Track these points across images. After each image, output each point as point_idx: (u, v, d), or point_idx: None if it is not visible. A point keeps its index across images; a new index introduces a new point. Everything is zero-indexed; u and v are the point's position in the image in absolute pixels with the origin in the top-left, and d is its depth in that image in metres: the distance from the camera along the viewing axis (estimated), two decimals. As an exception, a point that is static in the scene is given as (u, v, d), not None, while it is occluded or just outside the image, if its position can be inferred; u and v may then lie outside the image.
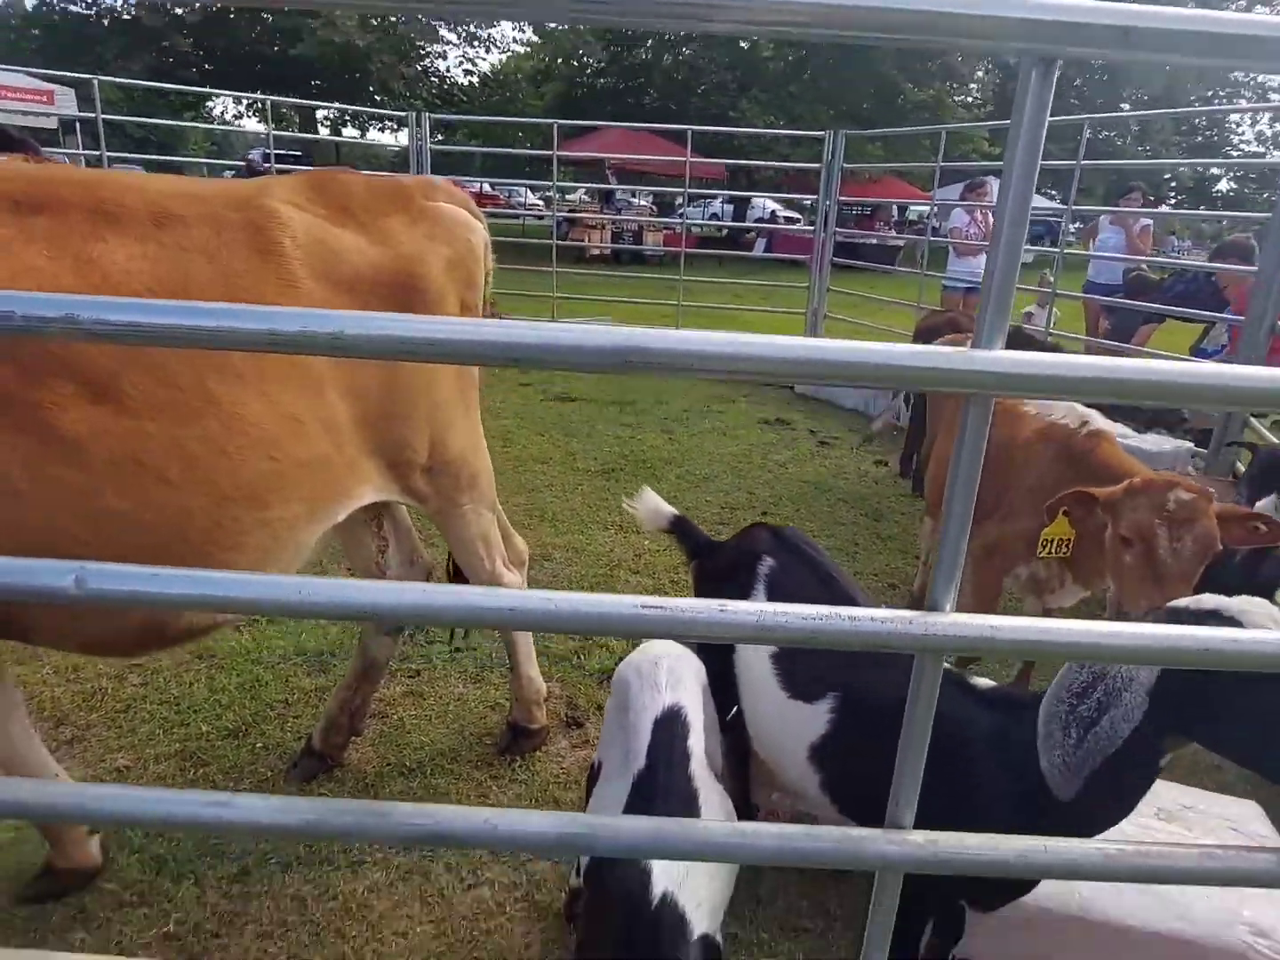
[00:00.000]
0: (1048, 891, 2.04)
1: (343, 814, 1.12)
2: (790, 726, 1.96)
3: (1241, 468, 4.54)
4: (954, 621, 1.08)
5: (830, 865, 1.23)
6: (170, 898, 2.33)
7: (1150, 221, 8.61)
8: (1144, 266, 8.20)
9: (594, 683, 3.41)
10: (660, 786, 1.73)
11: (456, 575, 3.06)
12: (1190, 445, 4.78)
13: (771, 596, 2.13)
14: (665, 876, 1.57)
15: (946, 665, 1.91)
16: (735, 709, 2.32)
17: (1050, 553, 2.51)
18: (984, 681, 1.81)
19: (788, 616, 1.06)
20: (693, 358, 0.95)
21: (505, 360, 0.96)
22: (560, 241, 11.84)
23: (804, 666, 1.98)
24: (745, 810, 2.58)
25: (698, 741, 1.85)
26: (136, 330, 0.92)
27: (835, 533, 5.05)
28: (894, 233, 19.23)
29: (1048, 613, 3.13)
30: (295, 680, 3.30)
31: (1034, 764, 1.62)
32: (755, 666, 2.07)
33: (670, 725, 1.84)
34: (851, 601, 2.02)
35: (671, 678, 1.96)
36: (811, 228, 9.57)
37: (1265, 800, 2.54)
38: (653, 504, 2.52)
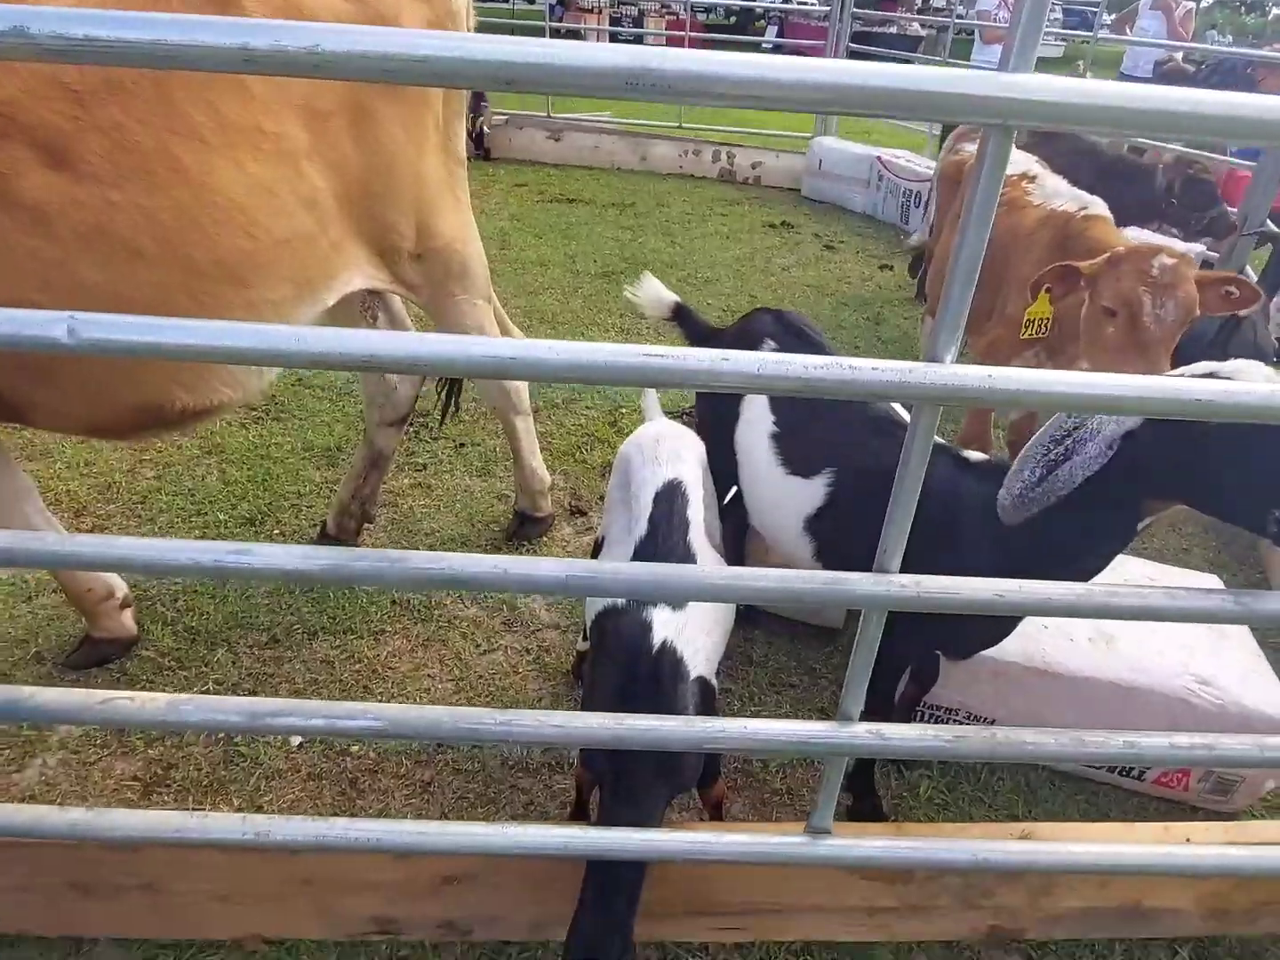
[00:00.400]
0: (1015, 648, 2.22)
1: (360, 560, 1.19)
2: (787, 501, 2.04)
3: (1251, 273, 4.43)
4: (953, 372, 1.10)
5: (821, 603, 1.34)
6: (207, 663, 2.52)
7: (1193, 4, 7.84)
8: (1178, 57, 7.58)
9: (596, 475, 3.52)
10: (660, 550, 1.82)
11: (449, 393, 3.07)
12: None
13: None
14: (664, 626, 1.70)
15: (939, 440, 1.97)
16: (734, 491, 2.41)
17: (1032, 334, 2.51)
18: (976, 454, 1.87)
19: (789, 366, 1.07)
20: (709, 80, 0.90)
21: (499, 81, 0.91)
22: (554, 23, 10.86)
23: (802, 445, 2.04)
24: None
25: (697, 513, 1.94)
26: (94, 46, 0.85)
27: (837, 335, 5.01)
28: (916, 20, 17.60)
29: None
30: (305, 473, 3.39)
31: (1014, 534, 1.70)
32: (755, 448, 2.13)
33: (670, 496, 1.91)
34: None
35: (671, 454, 2.01)
36: (826, 8, 8.73)
37: (1226, 582, 2.70)
38: (654, 291, 2.48)
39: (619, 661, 1.67)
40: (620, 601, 1.75)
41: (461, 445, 3.66)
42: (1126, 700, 2.21)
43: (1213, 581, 2.56)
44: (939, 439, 1.95)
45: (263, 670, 2.51)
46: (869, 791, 2.13)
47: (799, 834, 1.61)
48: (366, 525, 3.05)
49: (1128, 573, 2.49)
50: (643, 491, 1.93)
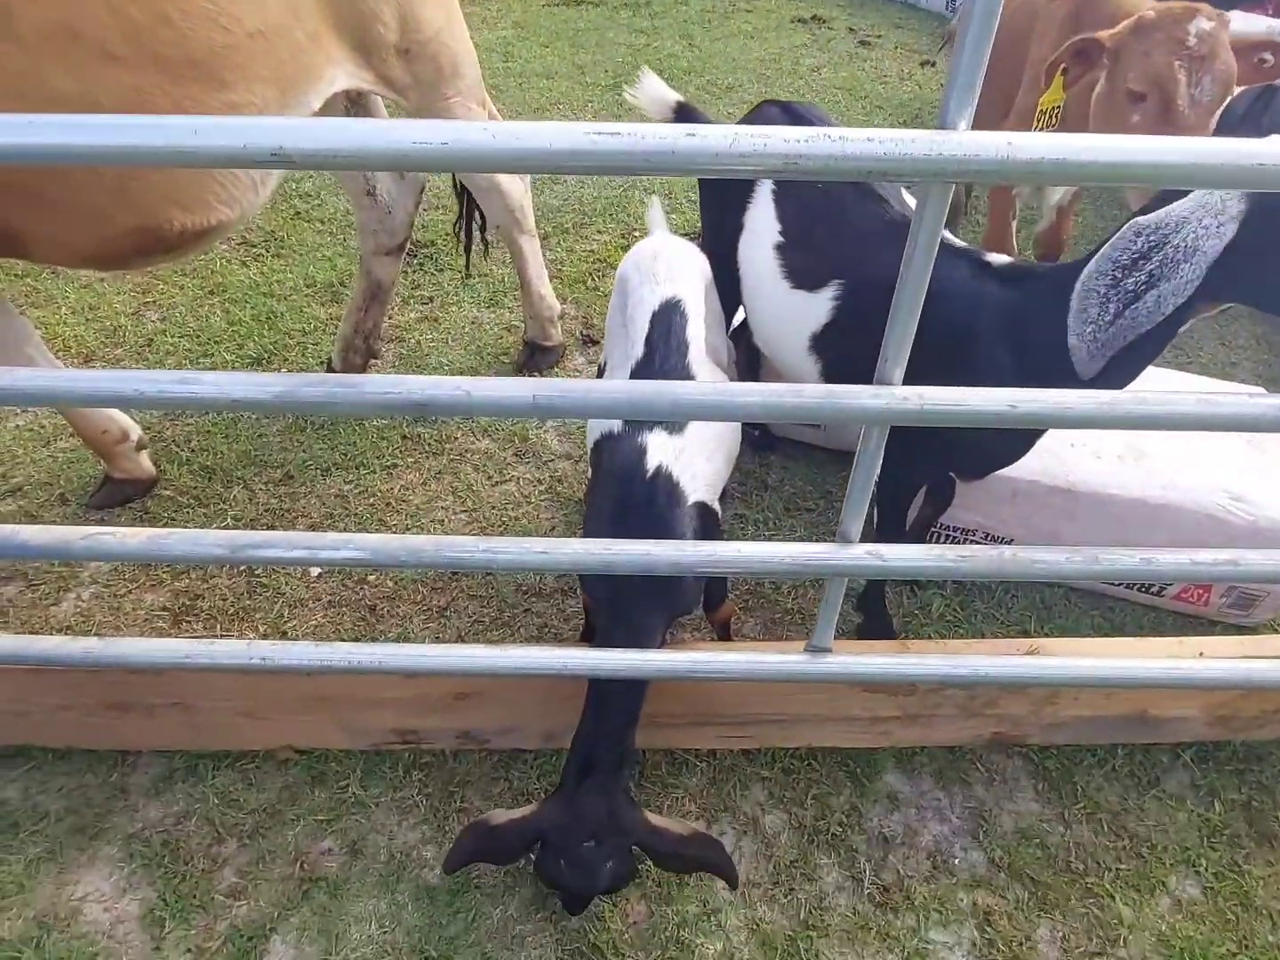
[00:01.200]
0: (1037, 465, 2.13)
1: (313, 386, 1.11)
2: (792, 317, 1.91)
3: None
4: (966, 140, 0.95)
5: (815, 419, 1.26)
6: (224, 499, 2.55)
7: None
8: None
9: (608, 303, 3.37)
10: (657, 374, 1.73)
11: (466, 222, 2.89)
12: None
13: (783, 197, 1.95)
14: (660, 451, 1.64)
15: (959, 242, 1.80)
16: (743, 314, 2.27)
17: (1043, 126, 2.19)
18: (998, 256, 1.70)
19: (767, 140, 0.93)
20: None
21: None
22: None
23: (808, 256, 1.88)
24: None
25: (697, 331, 1.82)
26: None
27: (869, 143, 4.60)
28: None
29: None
30: (309, 310, 3.29)
31: (1048, 342, 1.56)
32: (758, 261, 1.97)
33: (667, 315, 1.80)
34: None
35: (670, 270, 1.88)
36: None
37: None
38: (655, 90, 2.24)
39: (614, 486, 1.63)
40: (616, 427, 1.69)
41: (468, 277, 3.51)
42: (1155, 518, 2.13)
43: (1256, 393, 2.41)
44: (954, 238, 1.78)
45: (279, 506, 2.54)
46: (878, 610, 2.13)
47: (799, 652, 1.61)
48: (373, 360, 2.99)
49: (1169, 387, 2.35)
50: (639, 312, 1.81)
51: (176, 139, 0.90)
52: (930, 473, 2.00)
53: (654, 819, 1.53)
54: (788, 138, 0.92)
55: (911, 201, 1.87)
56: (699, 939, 1.65)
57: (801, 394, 1.17)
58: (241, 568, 2.34)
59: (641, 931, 1.65)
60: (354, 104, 2.53)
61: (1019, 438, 1.73)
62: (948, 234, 1.67)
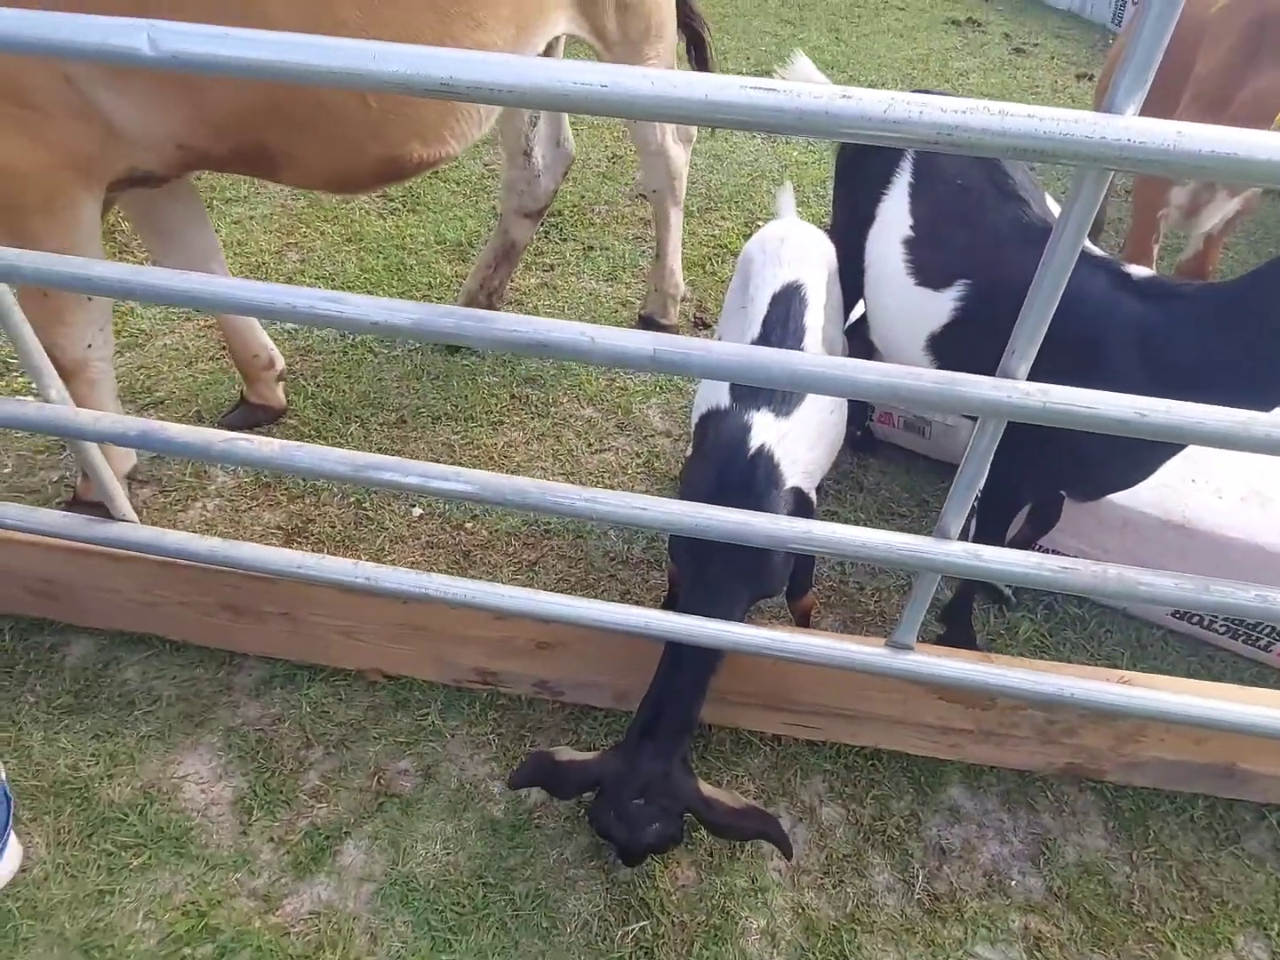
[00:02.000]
0: (1152, 498, 2.05)
1: (445, 317, 1.19)
2: (913, 314, 1.89)
3: None
4: (1134, 125, 0.93)
5: (931, 406, 1.25)
6: (341, 435, 2.70)
7: None
8: None
9: (725, 288, 3.39)
10: None
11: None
12: None
13: (919, 191, 1.93)
14: (764, 431, 1.65)
15: (1100, 251, 1.74)
16: (860, 311, 2.26)
17: None
18: (1139, 269, 1.64)
19: (924, 108, 0.93)
20: None
21: None
22: None
23: (936, 252, 1.85)
24: (863, 411, 2.64)
25: (815, 318, 1.83)
26: None
27: (1012, 153, 4.46)
28: None
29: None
30: (436, 266, 3.43)
31: (1186, 364, 1.51)
32: (886, 254, 1.95)
33: (788, 299, 1.81)
34: (1018, 195, 1.78)
35: (795, 254, 1.89)
36: None
37: None
38: (805, 72, 2.24)
39: (715, 460, 1.66)
40: (724, 404, 1.72)
41: (590, 249, 3.59)
42: (1272, 568, 2.02)
43: None
44: (1094, 248, 1.73)
45: (391, 447, 2.67)
46: (964, 623, 2.10)
47: (879, 646, 1.61)
48: (492, 320, 3.10)
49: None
50: (760, 293, 1.83)
51: (357, 62, 0.97)
52: (1042, 487, 1.94)
53: (708, 789, 1.56)
54: (945, 107, 0.92)
55: (1055, 208, 1.82)
56: (744, 912, 1.68)
57: (920, 378, 1.18)
58: (350, 499, 2.48)
59: (689, 895, 1.69)
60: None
61: (1143, 457, 1.67)
62: (1088, 243, 1.62)
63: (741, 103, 0.90)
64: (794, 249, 1.90)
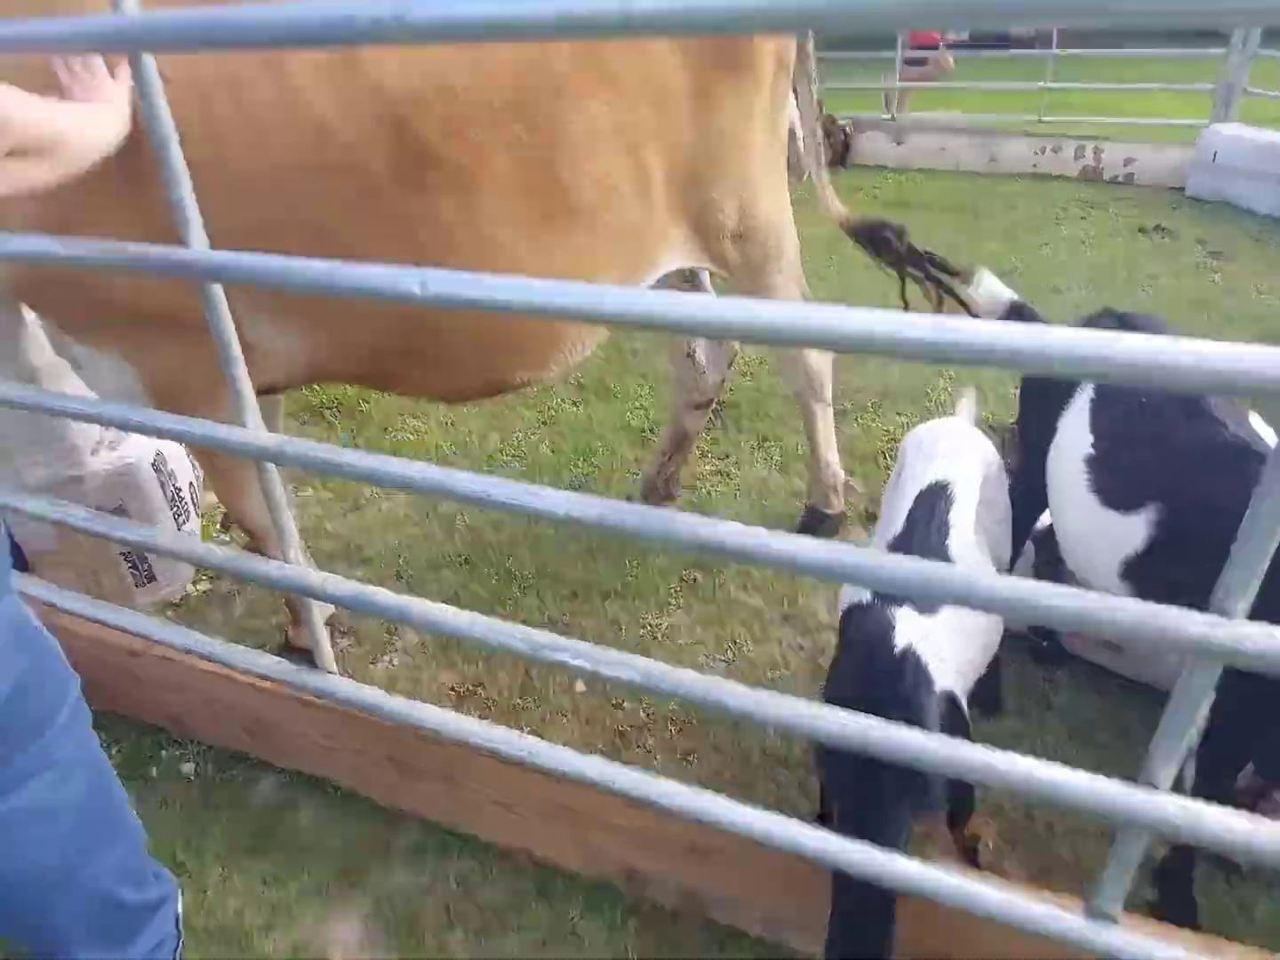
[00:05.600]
0: None
1: (630, 514, 1.26)
2: (1102, 536, 1.79)
3: None
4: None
5: (1128, 640, 1.13)
6: (518, 604, 2.85)
7: None
8: None
9: (897, 484, 3.38)
10: (912, 552, 1.70)
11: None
12: None
13: (1101, 408, 1.88)
14: (907, 627, 1.59)
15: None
16: (1047, 520, 2.18)
17: None
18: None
19: (1116, 346, 0.93)
20: None
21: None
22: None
23: (1122, 472, 1.78)
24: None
25: (963, 518, 1.78)
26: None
27: (1214, 357, 4.27)
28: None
29: None
30: (620, 450, 3.67)
31: None
32: (1066, 471, 1.90)
33: (935, 496, 1.79)
34: (1230, 440, 1.68)
35: (949, 451, 1.88)
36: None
37: None
38: (991, 286, 2.32)
39: (855, 658, 1.61)
40: (866, 598, 1.68)
41: (765, 439, 3.72)
42: None
43: None
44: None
45: (562, 619, 2.78)
46: (1182, 896, 1.80)
47: (1075, 911, 1.40)
48: (668, 502, 3.23)
49: None
50: (908, 486, 1.83)
51: (583, 300, 1.12)
52: (1274, 734, 1.71)
53: None
54: (1145, 348, 0.90)
55: (1260, 427, 1.72)
56: None
57: (1119, 608, 1.08)
58: (520, 667, 2.57)
59: None
60: (686, 280, 2.87)
61: None
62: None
63: (929, 339, 0.95)
64: (948, 446, 1.90)
